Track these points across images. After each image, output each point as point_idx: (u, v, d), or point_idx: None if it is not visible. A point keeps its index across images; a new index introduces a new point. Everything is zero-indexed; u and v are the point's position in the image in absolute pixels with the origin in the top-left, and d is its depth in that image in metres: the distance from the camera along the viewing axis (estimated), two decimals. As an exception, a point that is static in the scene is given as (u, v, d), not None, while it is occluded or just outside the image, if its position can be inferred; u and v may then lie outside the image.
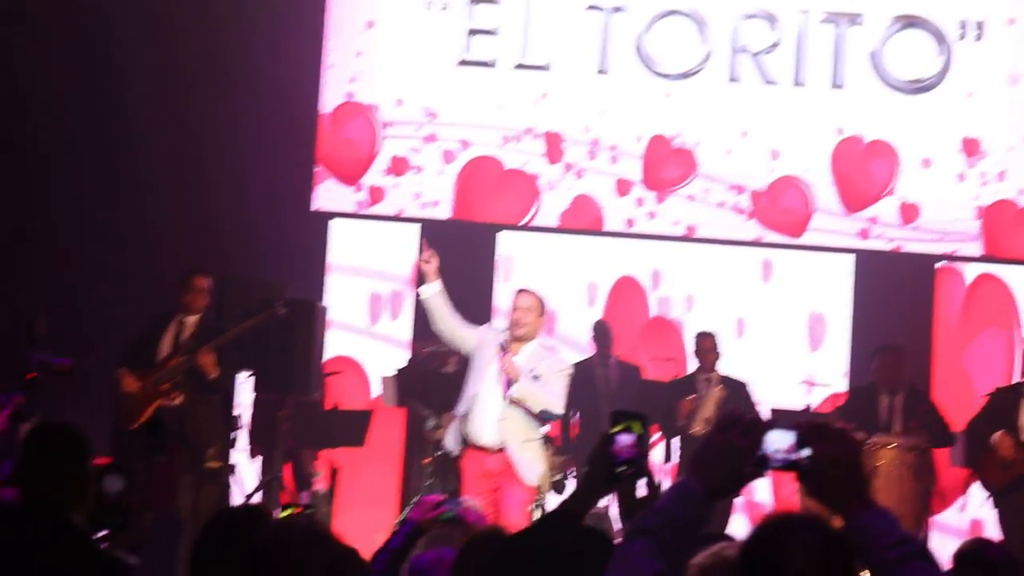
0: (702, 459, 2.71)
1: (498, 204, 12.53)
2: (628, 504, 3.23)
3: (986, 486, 9.80)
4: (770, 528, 2.57)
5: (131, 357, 9.90)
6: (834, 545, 2.54)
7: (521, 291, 8.99)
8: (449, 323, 8.85)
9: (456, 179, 12.50)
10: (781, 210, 12.15)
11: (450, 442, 8.92)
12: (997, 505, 9.82)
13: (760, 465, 2.66)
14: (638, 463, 3.00)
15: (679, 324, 12.06)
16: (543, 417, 8.72)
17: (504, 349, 8.67)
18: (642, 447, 3.00)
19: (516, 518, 8.44)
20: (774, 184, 12.13)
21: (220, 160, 12.24)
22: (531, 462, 8.69)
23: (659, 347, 12.19)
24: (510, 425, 8.63)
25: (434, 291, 8.83)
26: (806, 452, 2.64)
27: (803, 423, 2.70)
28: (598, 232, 12.43)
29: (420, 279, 9.05)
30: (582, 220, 12.41)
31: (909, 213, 12.02)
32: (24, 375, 9.09)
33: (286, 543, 2.62)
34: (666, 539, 2.62)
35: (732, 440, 2.67)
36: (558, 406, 8.75)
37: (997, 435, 9.67)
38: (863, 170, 12.07)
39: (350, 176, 12.57)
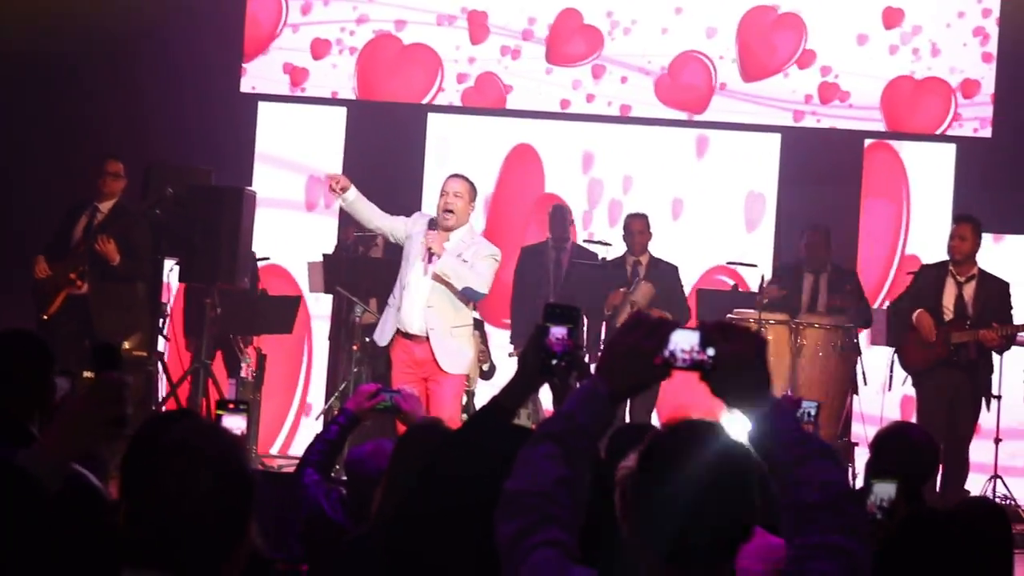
0: (607, 361, 2.68)
1: (399, 82, 12.48)
2: (562, 398, 3.23)
3: (906, 366, 9.87)
4: (666, 435, 2.55)
5: (49, 246, 9.87)
6: (729, 451, 2.53)
7: (451, 176, 8.87)
8: (377, 219, 8.78)
9: (357, 59, 12.42)
10: (683, 87, 12.17)
11: (379, 333, 8.86)
12: (916, 385, 9.91)
13: (664, 366, 2.64)
14: (572, 356, 2.98)
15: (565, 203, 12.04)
16: (467, 295, 8.61)
17: (430, 228, 8.59)
18: (575, 340, 2.98)
19: (447, 407, 8.44)
20: (676, 61, 12.13)
21: (148, 43, 12.09)
22: (459, 349, 8.64)
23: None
24: (437, 312, 8.57)
25: (352, 197, 8.73)
26: (710, 352, 2.62)
27: (707, 323, 2.67)
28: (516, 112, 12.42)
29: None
30: (487, 99, 12.38)
31: (830, 90, 12.05)
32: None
33: (177, 450, 2.57)
34: (571, 444, 2.62)
35: (636, 342, 2.65)
36: (483, 286, 8.65)
37: (917, 314, 9.74)
38: (768, 41, 12.08)
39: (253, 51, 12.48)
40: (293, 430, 12.02)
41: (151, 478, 2.45)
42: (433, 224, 8.64)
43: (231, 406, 4.75)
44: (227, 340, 10.81)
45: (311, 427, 11.35)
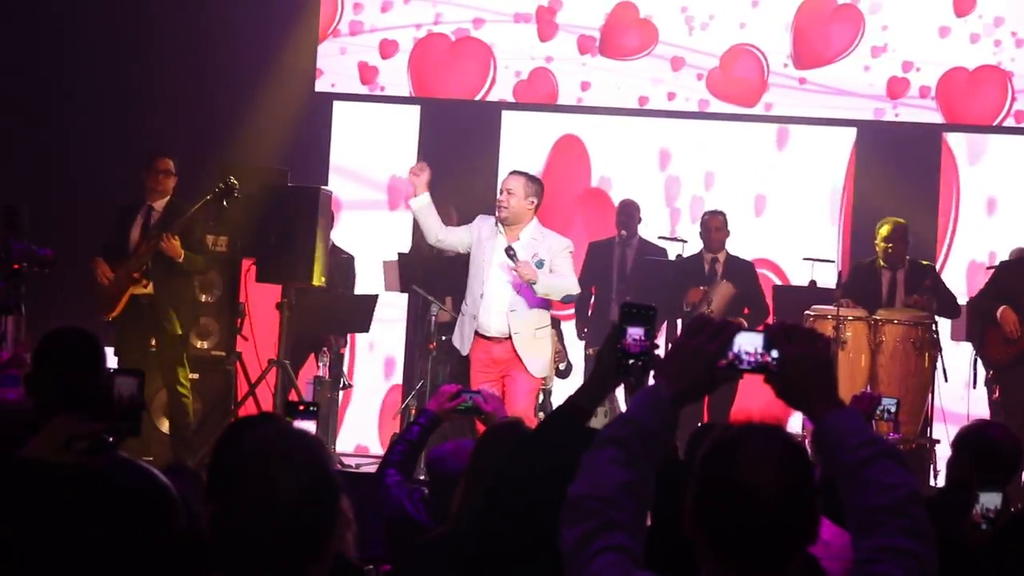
0: (671, 364, 2.68)
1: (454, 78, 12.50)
2: None
3: (988, 363, 9.76)
4: (726, 438, 2.54)
5: (104, 249, 9.92)
6: (792, 454, 2.50)
7: (509, 173, 8.85)
8: (441, 232, 8.80)
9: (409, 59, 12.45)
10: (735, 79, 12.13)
11: (459, 341, 8.84)
12: (998, 381, 9.79)
13: (729, 369, 2.64)
14: (649, 356, 2.98)
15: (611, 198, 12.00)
16: (567, 301, 8.71)
17: (511, 256, 8.51)
18: (651, 340, 2.98)
19: (522, 405, 8.45)
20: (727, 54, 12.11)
21: (221, 43, 12.18)
22: (541, 351, 8.67)
23: (593, 219, 12.19)
24: (520, 315, 8.59)
25: (422, 203, 8.73)
26: (774, 354, 2.62)
27: (772, 325, 2.68)
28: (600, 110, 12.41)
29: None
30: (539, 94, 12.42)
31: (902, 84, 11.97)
32: (6, 265, 9.02)
33: (261, 457, 2.58)
34: (634, 448, 2.60)
35: (701, 345, 2.65)
36: (575, 285, 8.72)
37: (1001, 310, 9.63)
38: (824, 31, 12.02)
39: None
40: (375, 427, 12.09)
41: (236, 484, 2.48)
42: (509, 251, 8.59)
43: (301, 408, 4.77)
44: (317, 339, 10.87)
45: (389, 426, 11.37)
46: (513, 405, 8.29)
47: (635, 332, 2.96)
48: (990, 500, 4.17)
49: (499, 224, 8.67)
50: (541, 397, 9.57)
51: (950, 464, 5.36)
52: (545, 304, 8.70)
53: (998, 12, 11.87)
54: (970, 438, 5.43)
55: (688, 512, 2.51)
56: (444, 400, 5.59)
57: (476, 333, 8.66)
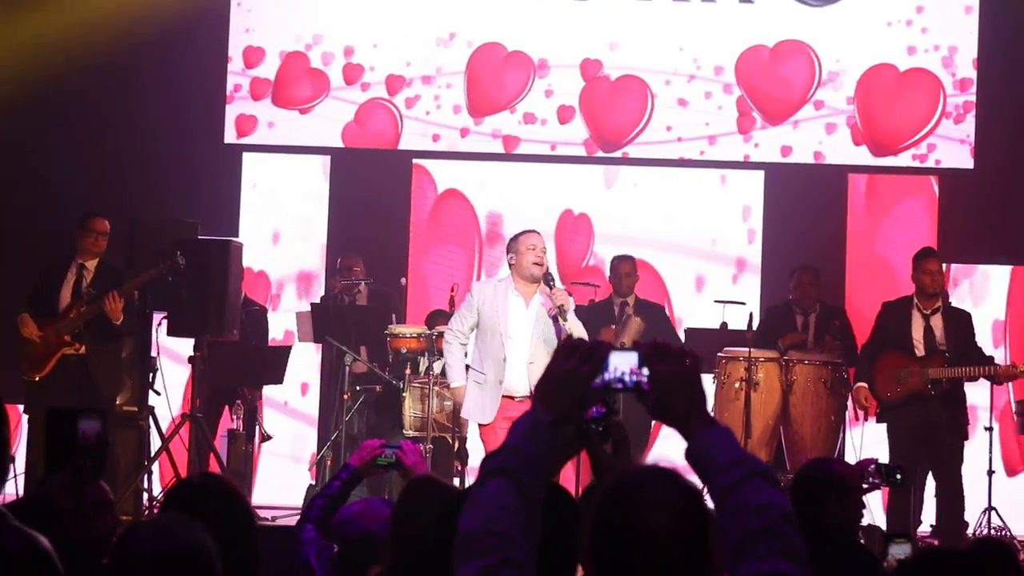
0: (547, 388, 2.69)
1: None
2: (598, 462, 3.22)
3: (880, 401, 9.86)
4: (622, 483, 2.55)
5: (31, 304, 9.83)
6: (690, 499, 2.52)
7: (531, 232, 8.90)
8: (465, 348, 8.95)
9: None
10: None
11: (479, 414, 8.77)
12: (885, 420, 9.89)
13: (604, 389, 2.66)
14: (608, 421, 3.00)
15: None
16: None
17: (550, 284, 8.62)
18: (610, 406, 2.99)
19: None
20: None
21: (127, 96, 12.13)
22: None
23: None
24: (538, 367, 8.52)
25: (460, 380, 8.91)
26: (646, 372, 2.64)
27: (643, 344, 2.69)
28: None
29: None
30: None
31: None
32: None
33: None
34: (523, 477, 2.60)
35: (574, 367, 2.66)
36: (583, 331, 8.85)
37: (855, 387, 9.88)
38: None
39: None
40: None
41: None
42: (499, 288, 8.71)
43: (262, 438, 4.74)
44: (231, 392, 10.81)
45: (304, 477, 11.31)
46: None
47: None
48: (900, 551, 4.25)
49: (512, 283, 8.75)
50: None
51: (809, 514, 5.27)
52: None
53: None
54: (806, 471, 5.34)
55: (585, 555, 2.52)
56: (366, 455, 5.58)
57: (504, 397, 8.64)
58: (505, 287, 8.75)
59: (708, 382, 10.13)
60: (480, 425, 8.87)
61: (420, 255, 12.31)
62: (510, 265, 8.83)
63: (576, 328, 8.66)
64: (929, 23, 12.04)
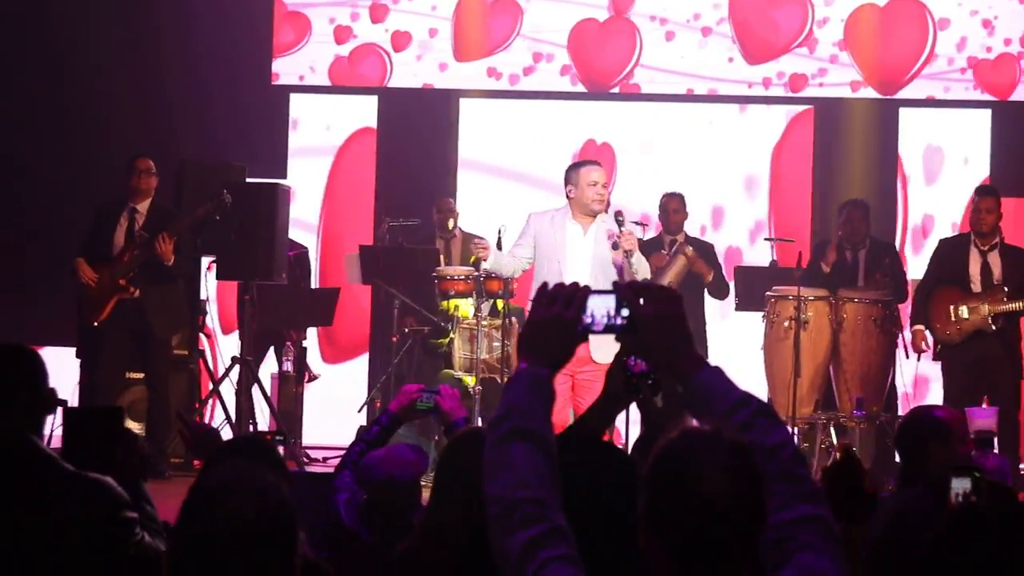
0: (535, 339, 2.65)
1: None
2: (649, 415, 3.19)
3: (938, 339, 9.80)
4: (674, 448, 2.49)
5: (85, 250, 9.87)
6: (744, 458, 2.46)
7: (593, 165, 8.74)
8: (511, 264, 8.76)
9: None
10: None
11: None
12: (939, 358, 9.85)
13: (585, 331, 2.63)
14: (656, 374, 2.96)
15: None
16: None
17: (620, 222, 8.45)
18: None
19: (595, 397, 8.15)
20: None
21: (174, 38, 12.13)
22: (607, 339, 8.47)
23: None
24: None
25: (492, 261, 8.72)
26: (624, 313, 2.61)
27: (620, 285, 2.66)
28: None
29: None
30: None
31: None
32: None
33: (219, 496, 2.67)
34: (543, 436, 2.56)
35: (558, 313, 2.64)
36: (648, 268, 8.73)
37: (913, 329, 9.81)
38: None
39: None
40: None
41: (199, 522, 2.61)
42: (556, 217, 8.56)
43: (268, 438, 4.78)
44: (277, 335, 10.87)
45: (354, 419, 11.35)
46: (587, 399, 7.81)
47: None
48: (960, 485, 4.19)
49: (569, 212, 8.58)
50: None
51: (904, 458, 5.39)
52: None
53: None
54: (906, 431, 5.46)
55: (641, 523, 2.48)
56: (405, 400, 5.57)
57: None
58: (563, 216, 8.58)
59: (758, 321, 10.09)
60: None
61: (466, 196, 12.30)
62: (568, 196, 8.63)
63: (642, 269, 8.47)
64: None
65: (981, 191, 9.94)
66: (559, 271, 8.38)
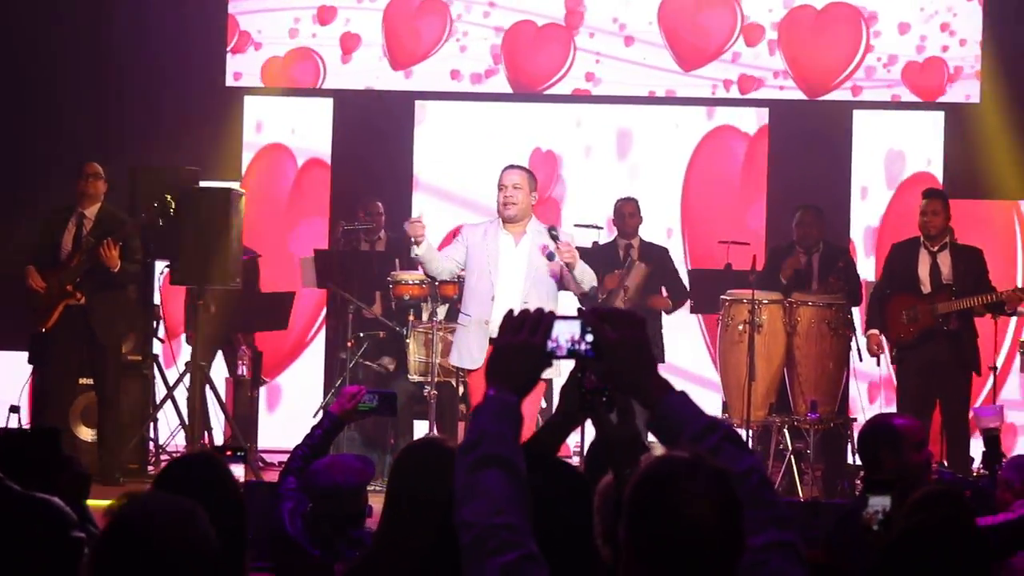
0: (502, 365, 2.67)
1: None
2: (604, 433, 3.19)
3: (892, 342, 9.86)
4: (655, 474, 2.49)
5: (35, 256, 9.83)
6: (725, 485, 2.47)
7: (508, 168, 8.57)
8: (445, 262, 8.52)
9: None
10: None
11: (466, 359, 8.41)
12: (896, 361, 9.90)
13: (549, 357, 2.65)
14: (609, 391, 2.98)
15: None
16: (589, 295, 8.36)
17: (555, 238, 8.27)
18: None
19: (528, 408, 7.98)
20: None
21: (128, 42, 12.07)
22: None
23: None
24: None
25: (424, 250, 8.37)
26: (588, 339, 2.63)
27: (584, 311, 2.68)
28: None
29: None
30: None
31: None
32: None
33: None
34: (515, 463, 2.58)
35: (525, 340, 2.66)
36: (595, 277, 8.53)
37: (868, 333, 9.89)
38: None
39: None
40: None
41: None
42: (489, 229, 8.44)
43: (228, 453, 4.74)
44: (226, 340, 10.83)
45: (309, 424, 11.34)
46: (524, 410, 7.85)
47: None
48: (879, 502, 4.23)
49: (501, 222, 8.45)
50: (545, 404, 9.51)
51: (864, 466, 5.45)
52: (554, 296, 8.42)
53: None
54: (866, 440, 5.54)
55: (623, 548, 2.48)
56: (345, 402, 5.56)
57: (492, 341, 8.15)
58: (495, 227, 8.47)
59: (712, 324, 10.12)
60: (467, 371, 8.68)
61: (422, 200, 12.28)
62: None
63: (587, 278, 8.36)
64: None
65: (927, 194, 10.01)
66: (490, 282, 8.33)
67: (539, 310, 2.70)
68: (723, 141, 12.31)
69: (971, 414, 9.43)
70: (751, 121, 12.28)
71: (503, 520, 2.52)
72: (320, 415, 10.76)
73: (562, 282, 8.44)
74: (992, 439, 7.32)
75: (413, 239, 8.34)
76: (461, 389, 9.88)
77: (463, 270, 8.62)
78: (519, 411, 2.64)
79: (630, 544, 2.47)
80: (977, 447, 9.78)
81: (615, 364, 2.64)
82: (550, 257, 8.33)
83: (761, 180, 12.16)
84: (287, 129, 12.56)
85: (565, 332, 2.64)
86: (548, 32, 12.27)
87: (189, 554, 2.64)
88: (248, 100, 12.56)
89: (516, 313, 2.73)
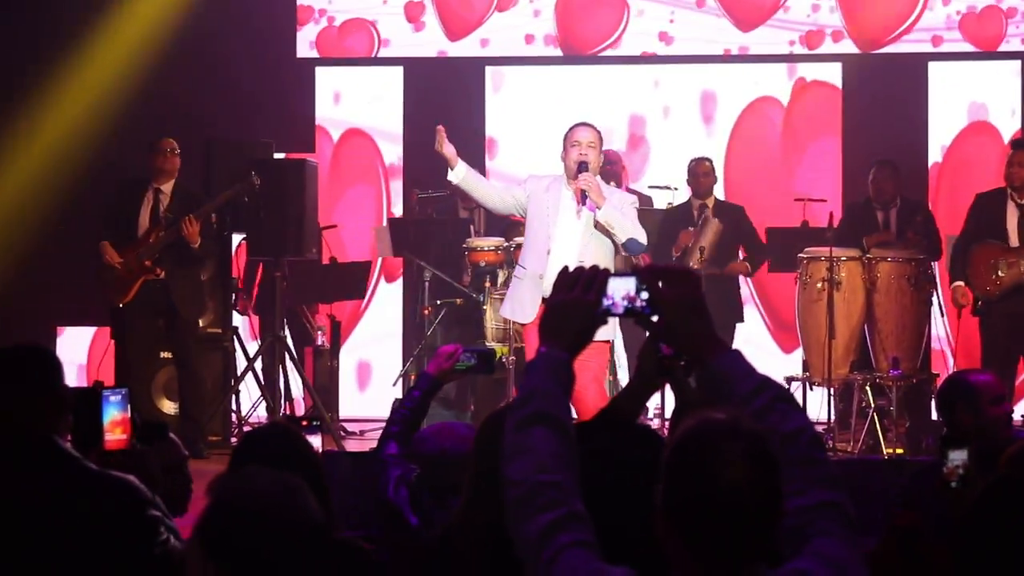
0: (555, 322, 2.66)
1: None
2: (683, 396, 3.18)
3: (978, 294, 9.71)
4: (693, 436, 2.47)
5: (108, 228, 9.89)
6: (764, 446, 2.44)
7: (581, 125, 8.34)
8: (488, 189, 8.36)
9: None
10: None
11: (519, 311, 8.20)
12: (978, 314, 9.76)
13: (604, 314, 2.64)
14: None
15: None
16: (629, 249, 8.18)
17: (583, 169, 8.00)
18: None
19: (594, 367, 7.83)
20: None
21: (198, 17, 12.12)
22: None
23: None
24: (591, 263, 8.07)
25: (461, 174, 8.16)
26: (644, 296, 2.62)
27: (641, 267, 2.66)
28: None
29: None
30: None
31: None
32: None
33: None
34: (563, 421, 2.57)
35: (578, 297, 2.64)
36: (643, 234, 8.18)
37: (953, 285, 9.69)
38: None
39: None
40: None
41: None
42: (553, 183, 8.22)
43: (304, 424, 4.72)
44: (297, 311, 10.88)
45: (390, 392, 11.39)
46: (584, 368, 7.58)
47: None
48: (958, 457, 4.19)
49: (566, 179, 8.22)
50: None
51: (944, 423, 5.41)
52: (611, 256, 8.20)
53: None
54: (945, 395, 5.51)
55: (659, 511, 2.47)
56: (442, 361, 5.46)
57: (543, 300, 7.92)
58: (559, 182, 8.27)
59: (791, 282, 10.04)
60: (522, 325, 8.54)
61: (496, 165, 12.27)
62: (562, 160, 8.32)
63: (614, 219, 8.03)
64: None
65: (1015, 144, 9.84)
66: (547, 235, 8.14)
67: (594, 267, 2.68)
68: (802, 99, 12.21)
69: None
70: (831, 75, 12.17)
71: (549, 478, 2.51)
72: (399, 383, 10.87)
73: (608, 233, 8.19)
74: None
75: (442, 149, 8.11)
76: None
77: (522, 216, 8.45)
78: (570, 369, 2.63)
79: (667, 510, 2.45)
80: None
81: (670, 321, 2.61)
82: (583, 199, 8.11)
83: (836, 136, 12.07)
84: (361, 100, 12.57)
85: (620, 289, 2.63)
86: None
87: (296, 530, 2.65)
88: (320, 71, 12.59)
89: (571, 270, 2.71)
